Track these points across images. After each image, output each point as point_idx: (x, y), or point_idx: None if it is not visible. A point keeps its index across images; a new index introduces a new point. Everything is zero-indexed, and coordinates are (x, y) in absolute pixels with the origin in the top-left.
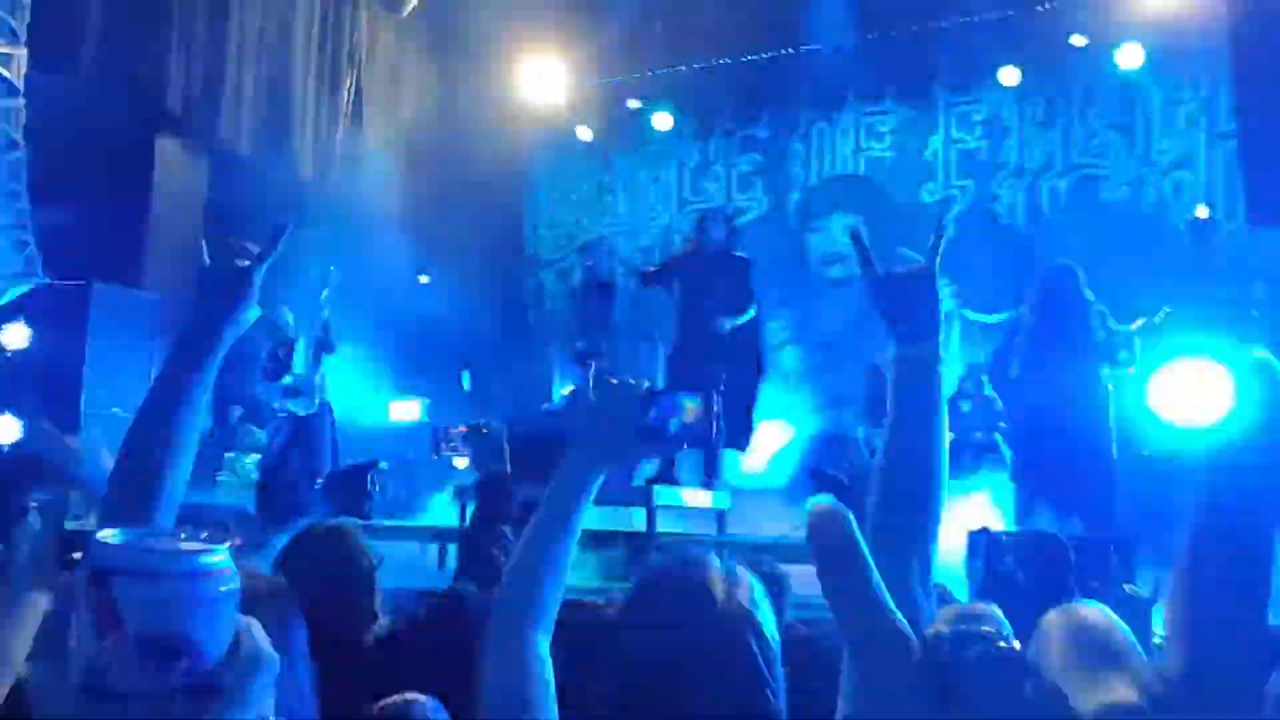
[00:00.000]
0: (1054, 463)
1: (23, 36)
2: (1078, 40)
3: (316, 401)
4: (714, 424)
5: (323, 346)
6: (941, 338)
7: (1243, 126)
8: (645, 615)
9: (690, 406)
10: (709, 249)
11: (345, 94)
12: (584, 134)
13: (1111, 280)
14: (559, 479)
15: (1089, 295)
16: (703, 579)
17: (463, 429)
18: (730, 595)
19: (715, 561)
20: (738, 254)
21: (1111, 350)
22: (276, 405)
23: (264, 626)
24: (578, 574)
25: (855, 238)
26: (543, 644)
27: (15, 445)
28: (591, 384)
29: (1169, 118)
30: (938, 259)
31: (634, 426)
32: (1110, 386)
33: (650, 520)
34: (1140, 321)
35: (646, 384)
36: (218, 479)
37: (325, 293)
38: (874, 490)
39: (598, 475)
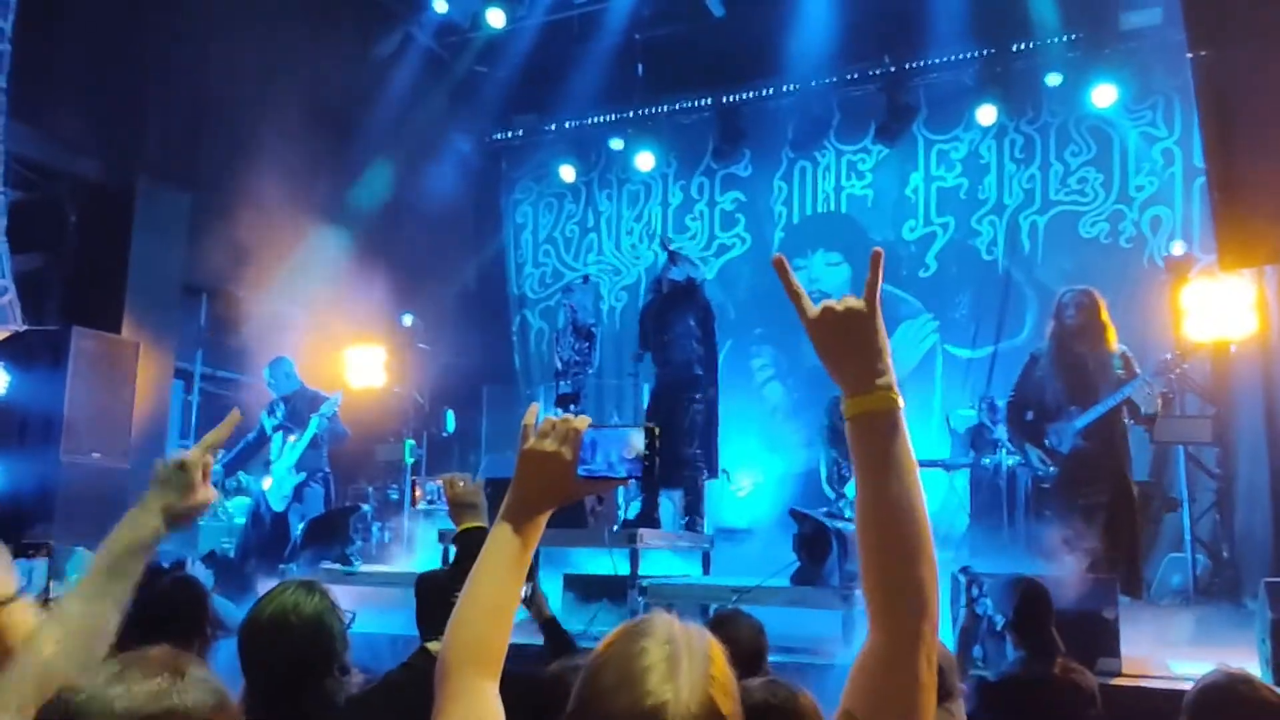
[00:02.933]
0: (1071, 503)
1: (2, 83)
2: (1053, 80)
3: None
4: (655, 457)
5: (334, 439)
6: (892, 379)
7: (1210, 169)
8: (587, 710)
9: (630, 444)
10: (666, 288)
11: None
12: (566, 174)
13: None
14: (498, 525)
15: (1106, 320)
16: (653, 692)
17: (440, 480)
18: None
19: (662, 649)
20: (684, 281)
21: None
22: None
23: None
24: (567, 622)
25: (782, 271)
26: (492, 689)
27: None
28: (530, 427)
29: (1144, 154)
30: (876, 296)
31: (572, 469)
32: (1129, 423)
33: (634, 563)
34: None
35: (588, 422)
36: (199, 523)
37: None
38: (863, 573)
39: (538, 518)
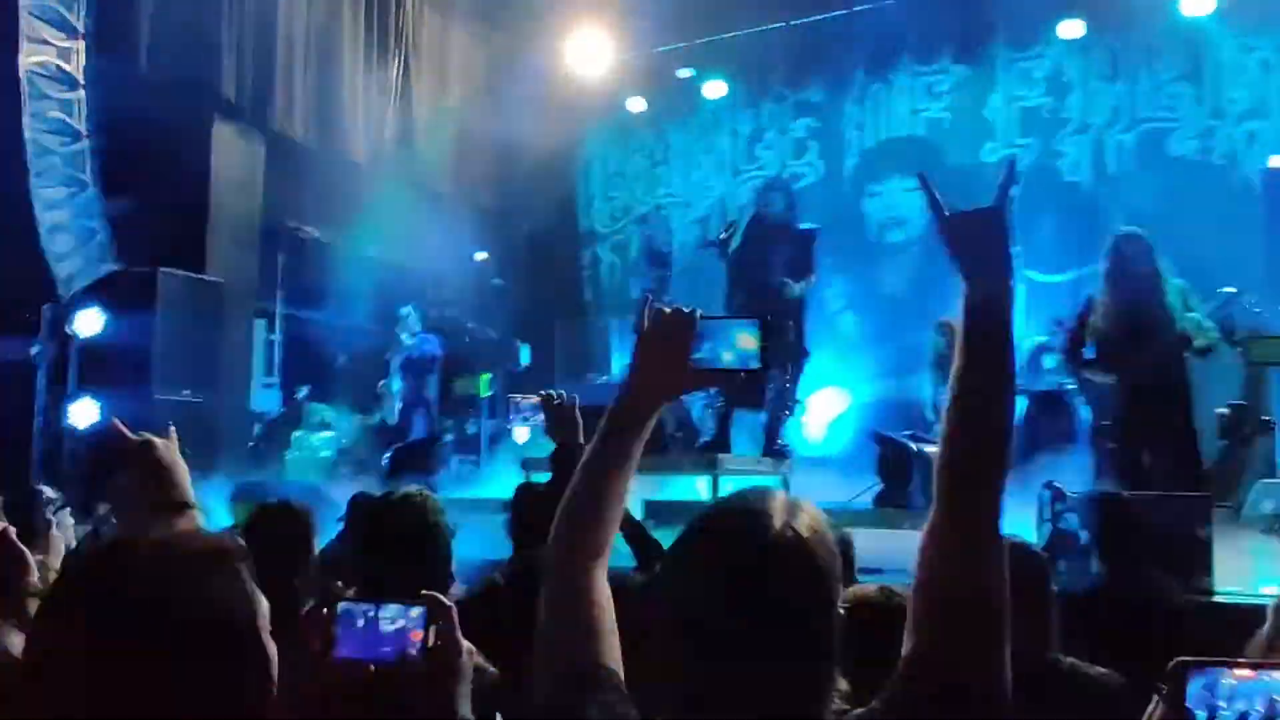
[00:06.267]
0: (1133, 439)
1: (81, 30)
2: None
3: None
4: (767, 350)
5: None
6: (1012, 278)
7: None
8: (700, 544)
9: (741, 335)
10: (769, 221)
11: (394, 73)
12: (635, 105)
13: (1181, 236)
14: (612, 412)
15: (1160, 265)
16: (761, 507)
17: (535, 398)
18: (787, 524)
19: (779, 494)
20: (800, 226)
21: (1187, 334)
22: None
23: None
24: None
25: (923, 181)
26: (600, 575)
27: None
28: (644, 315)
29: (1240, 65)
30: (1008, 198)
31: (685, 358)
32: (1187, 359)
33: (715, 489)
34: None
35: (699, 313)
36: (285, 457)
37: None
38: (941, 436)
39: (652, 410)
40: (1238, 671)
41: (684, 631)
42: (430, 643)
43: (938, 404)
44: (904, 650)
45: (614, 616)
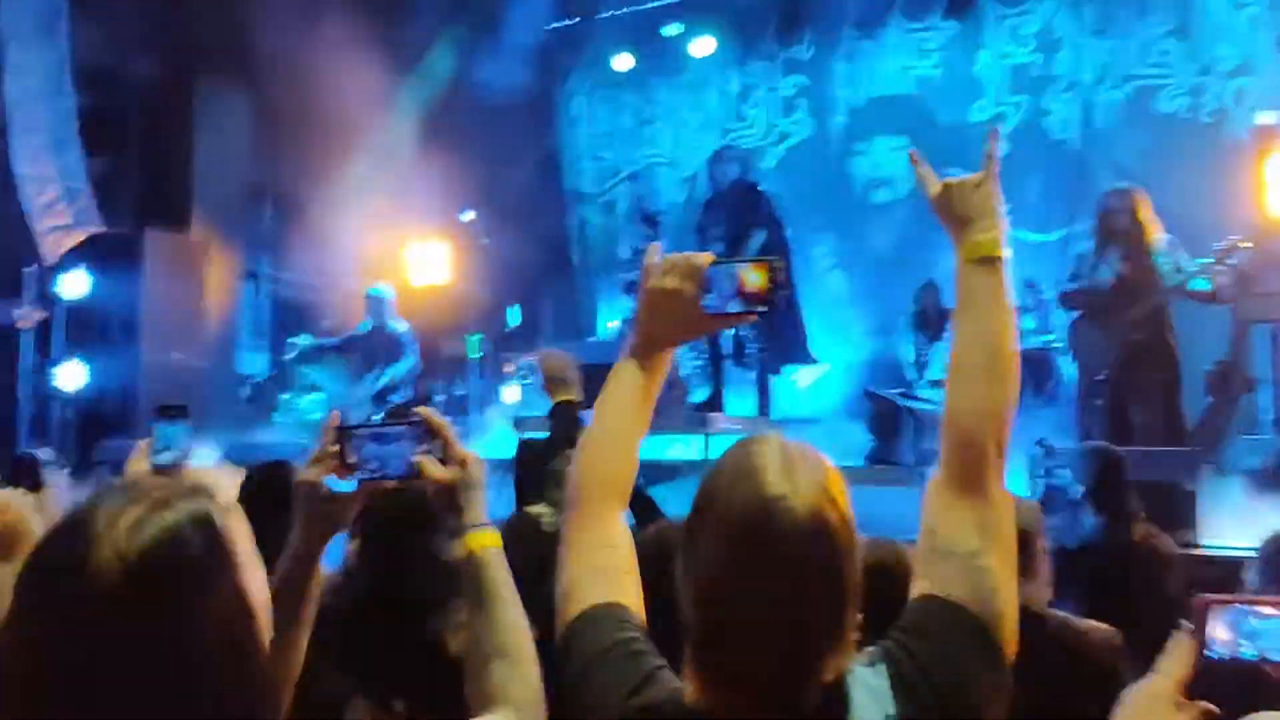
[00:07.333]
0: (1122, 396)
1: None
2: None
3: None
4: (779, 289)
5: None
6: (1004, 238)
7: None
8: (712, 518)
9: (748, 278)
10: (724, 187)
11: (378, 30)
12: (622, 63)
13: (1170, 193)
14: (622, 361)
15: (1148, 221)
16: (761, 474)
17: (528, 357)
18: (789, 490)
19: (773, 455)
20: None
21: (1180, 285)
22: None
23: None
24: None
25: (914, 160)
26: (620, 516)
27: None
28: (653, 265)
29: (1229, 22)
30: (992, 164)
31: (696, 305)
32: (1172, 315)
33: (707, 449)
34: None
35: (711, 258)
36: (273, 419)
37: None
38: (946, 393)
39: (665, 354)
40: (1261, 609)
41: (706, 597)
42: (437, 454)
43: (918, 363)
44: (912, 593)
45: (632, 558)
